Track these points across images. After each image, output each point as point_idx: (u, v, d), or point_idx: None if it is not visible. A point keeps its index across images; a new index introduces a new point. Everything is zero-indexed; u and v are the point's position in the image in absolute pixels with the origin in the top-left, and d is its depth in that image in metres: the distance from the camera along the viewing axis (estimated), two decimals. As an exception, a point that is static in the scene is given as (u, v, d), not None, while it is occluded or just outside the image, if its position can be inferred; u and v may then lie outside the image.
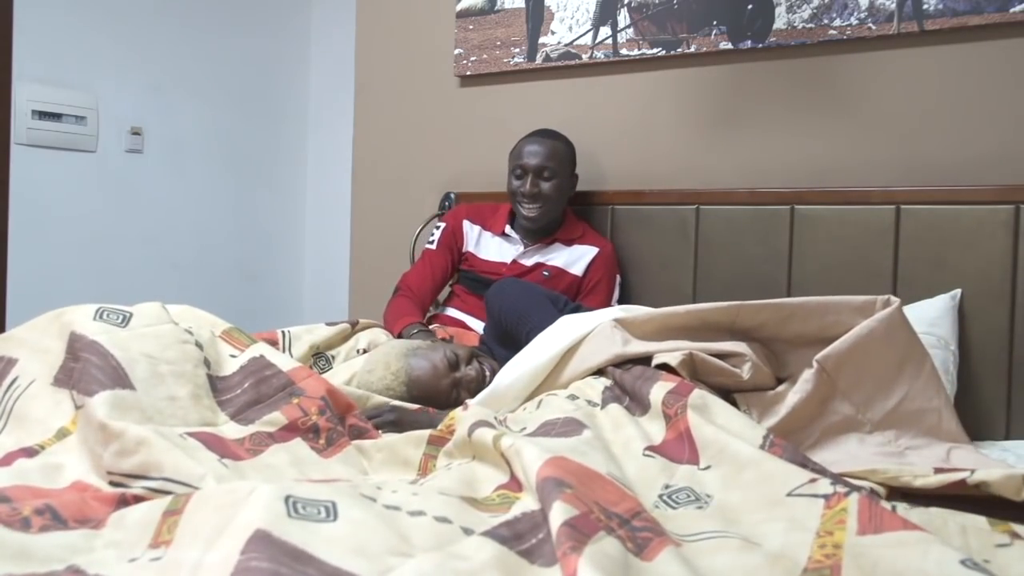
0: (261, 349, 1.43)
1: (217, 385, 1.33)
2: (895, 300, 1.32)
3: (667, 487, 1.08)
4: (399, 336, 2.11)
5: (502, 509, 0.95)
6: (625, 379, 1.38)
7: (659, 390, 1.28)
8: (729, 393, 1.37)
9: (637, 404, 1.32)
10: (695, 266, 2.31)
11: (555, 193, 2.29)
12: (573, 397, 1.40)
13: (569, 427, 1.18)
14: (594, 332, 1.50)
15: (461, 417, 1.33)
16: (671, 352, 1.37)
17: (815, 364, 1.30)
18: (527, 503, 0.93)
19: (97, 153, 2.96)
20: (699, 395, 1.25)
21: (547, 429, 1.21)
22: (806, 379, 1.32)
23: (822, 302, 1.39)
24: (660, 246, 2.37)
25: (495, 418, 1.30)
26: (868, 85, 2.17)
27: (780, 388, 1.37)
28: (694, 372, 1.35)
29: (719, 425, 1.18)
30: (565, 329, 1.56)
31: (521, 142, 2.35)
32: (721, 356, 1.38)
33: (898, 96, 2.14)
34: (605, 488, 0.94)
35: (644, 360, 1.44)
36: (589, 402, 1.38)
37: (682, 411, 1.21)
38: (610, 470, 1.01)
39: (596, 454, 1.06)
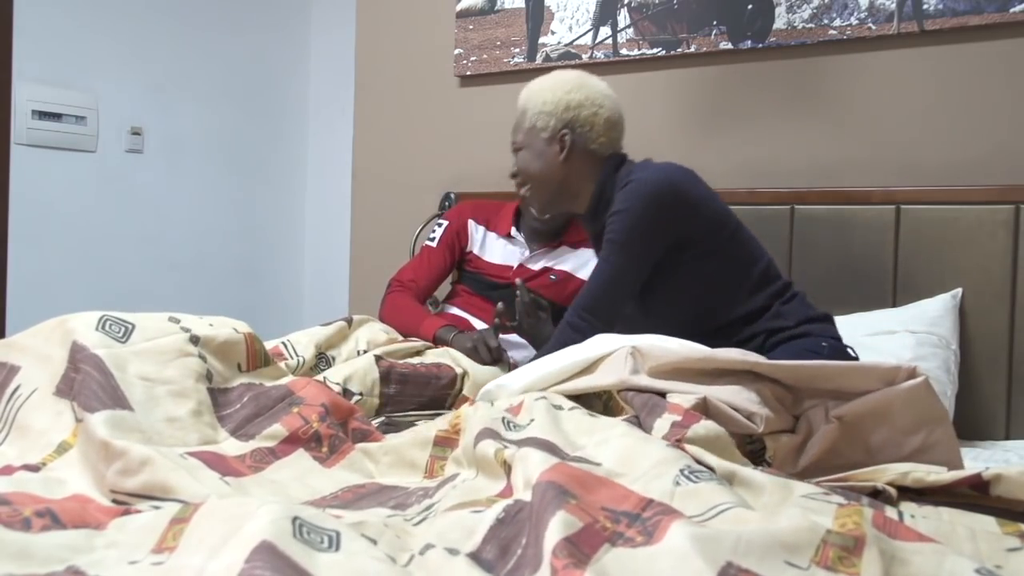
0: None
1: (218, 399, 1.32)
2: (921, 374, 1.28)
3: (688, 466, 1.06)
4: (434, 340, 2.08)
5: (487, 505, 0.95)
6: (635, 403, 1.35)
7: (663, 423, 1.24)
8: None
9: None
10: (695, 266, 2.31)
11: None
12: (592, 415, 1.38)
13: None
14: (615, 354, 1.48)
15: (468, 416, 1.32)
16: (683, 394, 1.33)
17: (833, 420, 1.28)
18: (516, 496, 0.93)
19: (97, 153, 2.96)
20: (703, 425, 1.21)
21: (551, 447, 1.20)
22: (822, 434, 1.29)
23: (842, 368, 1.33)
24: (660, 246, 2.37)
25: (503, 419, 1.29)
26: (868, 85, 2.17)
27: (797, 436, 1.34)
28: (706, 416, 1.31)
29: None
30: (595, 345, 1.54)
31: None
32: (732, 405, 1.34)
33: (898, 96, 2.14)
34: (612, 488, 0.93)
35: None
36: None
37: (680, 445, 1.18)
38: (610, 476, 1.00)
39: (603, 466, 1.05)
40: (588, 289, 1.77)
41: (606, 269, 1.75)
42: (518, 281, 1.95)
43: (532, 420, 1.29)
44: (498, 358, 1.96)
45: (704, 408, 1.30)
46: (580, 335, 1.67)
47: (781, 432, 1.34)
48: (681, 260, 1.75)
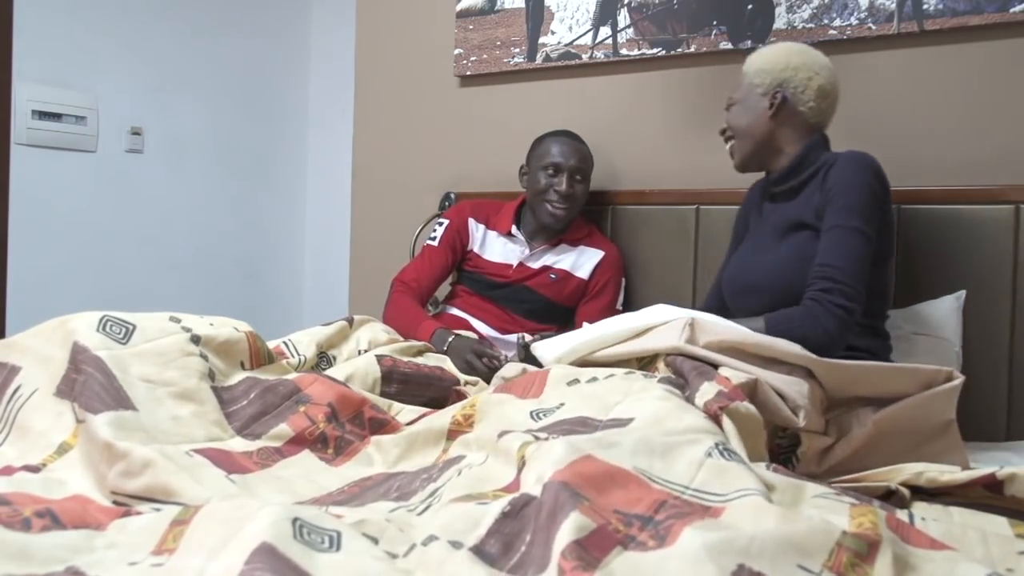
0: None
1: (223, 396, 1.32)
2: (958, 376, 1.31)
3: (723, 443, 1.06)
4: (431, 342, 2.09)
5: (492, 499, 0.94)
6: (684, 367, 1.35)
7: (710, 388, 1.25)
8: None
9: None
10: (695, 266, 2.31)
11: (584, 196, 2.31)
12: (630, 372, 1.38)
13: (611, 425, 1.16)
14: (671, 323, 1.49)
15: (483, 409, 1.32)
16: (734, 371, 1.33)
17: (871, 424, 1.31)
18: (523, 490, 0.92)
19: (97, 153, 2.96)
20: (745, 405, 1.22)
21: (583, 422, 1.19)
22: (853, 437, 1.32)
23: (888, 370, 1.37)
24: (660, 246, 2.37)
25: (530, 413, 1.27)
26: (868, 85, 2.17)
27: (828, 438, 1.36)
28: (752, 398, 1.31)
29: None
30: (651, 314, 1.56)
31: (551, 141, 2.32)
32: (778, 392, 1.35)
33: (898, 96, 2.14)
34: (627, 487, 0.92)
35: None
36: (645, 374, 1.35)
37: (721, 413, 1.19)
38: (637, 464, 0.97)
39: (626, 443, 1.02)
40: (837, 262, 1.67)
41: (845, 235, 1.69)
42: (516, 336, 1.95)
43: (562, 404, 1.28)
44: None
45: (752, 390, 1.30)
46: (849, 301, 1.62)
47: (815, 432, 1.35)
48: None
